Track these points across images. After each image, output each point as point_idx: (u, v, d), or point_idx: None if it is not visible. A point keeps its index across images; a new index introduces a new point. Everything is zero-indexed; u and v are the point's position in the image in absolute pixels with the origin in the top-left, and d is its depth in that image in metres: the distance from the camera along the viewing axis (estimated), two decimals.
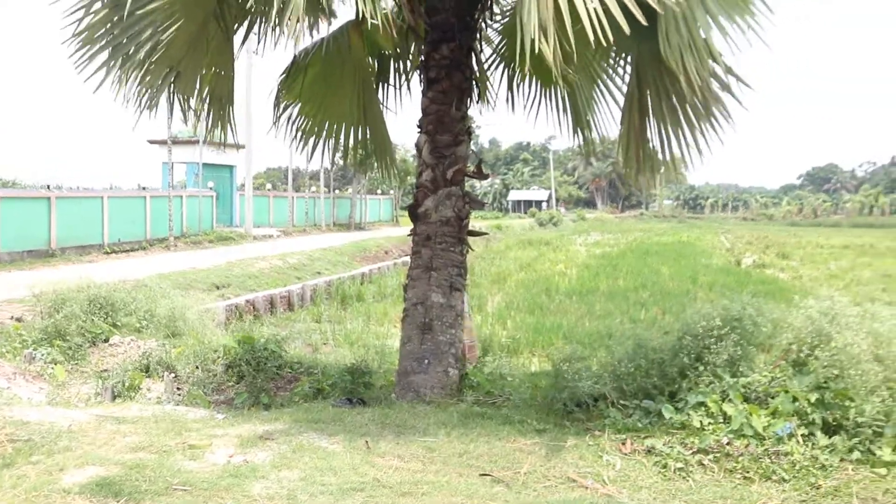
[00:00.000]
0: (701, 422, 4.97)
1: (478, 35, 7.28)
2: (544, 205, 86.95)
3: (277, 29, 6.32)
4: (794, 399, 4.93)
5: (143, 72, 6.35)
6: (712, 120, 5.77)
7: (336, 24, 7.82)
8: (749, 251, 32.43)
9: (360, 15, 4.99)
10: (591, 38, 4.32)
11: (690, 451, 4.71)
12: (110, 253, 22.21)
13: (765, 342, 5.73)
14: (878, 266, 25.30)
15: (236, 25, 7.14)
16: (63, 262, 19.27)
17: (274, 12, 5.02)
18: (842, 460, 4.48)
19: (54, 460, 4.45)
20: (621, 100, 6.89)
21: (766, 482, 4.33)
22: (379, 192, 53.37)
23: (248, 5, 6.17)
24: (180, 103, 7.14)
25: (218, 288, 16.97)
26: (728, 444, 4.69)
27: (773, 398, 5.05)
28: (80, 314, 9.59)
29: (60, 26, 5.94)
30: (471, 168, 7.24)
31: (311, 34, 7.78)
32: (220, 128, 7.53)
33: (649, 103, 6.07)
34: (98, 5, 6.02)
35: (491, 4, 7.37)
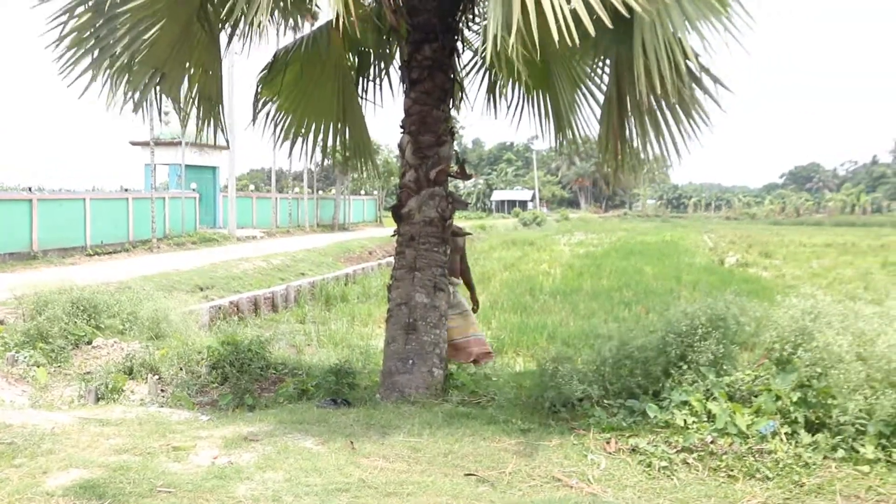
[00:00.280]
0: (685, 420, 4.99)
1: (458, 37, 7.29)
2: (528, 205, 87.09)
3: (259, 27, 6.31)
4: (778, 397, 4.96)
5: (127, 74, 6.33)
6: (690, 121, 5.81)
7: (318, 22, 7.83)
8: (732, 250, 32.60)
9: (337, 14, 4.98)
10: (556, 37, 4.32)
11: (675, 450, 4.72)
12: (93, 255, 22.03)
13: (748, 341, 5.76)
14: (859, 264, 25.51)
15: (220, 25, 7.11)
16: (45, 265, 19.09)
17: (238, 10, 5.05)
18: (825, 458, 4.50)
19: (37, 463, 4.41)
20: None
21: (750, 480, 4.35)
22: (363, 192, 53.28)
23: (229, 4, 6.16)
24: (174, 104, 7.12)
25: (202, 289, 16.89)
26: (712, 442, 4.71)
27: (756, 397, 5.08)
28: (63, 316, 9.49)
29: (43, 30, 5.91)
30: (454, 168, 7.23)
31: (293, 32, 7.79)
32: (212, 127, 7.51)
33: (628, 104, 6.10)
34: (81, 9, 6.00)
35: (473, 6, 7.38)
